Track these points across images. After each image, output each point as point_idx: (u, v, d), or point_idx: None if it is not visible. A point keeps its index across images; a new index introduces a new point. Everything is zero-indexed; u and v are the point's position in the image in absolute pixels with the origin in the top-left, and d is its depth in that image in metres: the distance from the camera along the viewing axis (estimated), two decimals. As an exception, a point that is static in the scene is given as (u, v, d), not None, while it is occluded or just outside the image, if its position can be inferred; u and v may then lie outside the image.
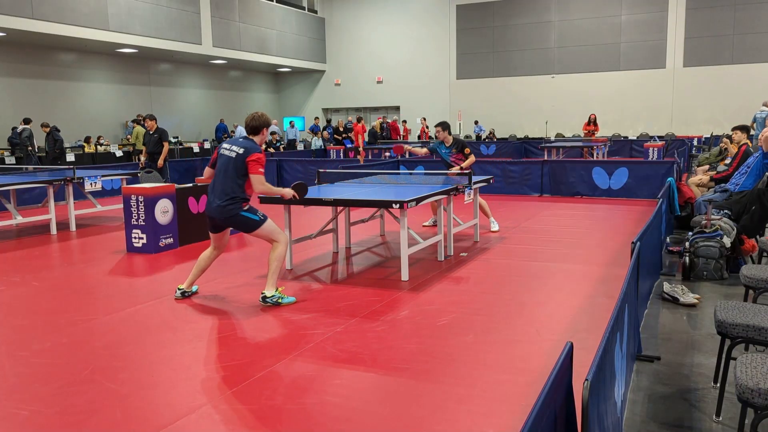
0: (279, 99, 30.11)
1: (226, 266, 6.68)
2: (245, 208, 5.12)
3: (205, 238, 8.31)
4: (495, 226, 8.52)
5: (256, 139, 5.24)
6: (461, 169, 8.17)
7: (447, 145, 8.39)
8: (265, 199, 6.40)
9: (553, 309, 4.98)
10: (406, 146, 9.08)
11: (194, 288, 5.56)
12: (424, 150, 8.73)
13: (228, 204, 5.05)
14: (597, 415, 2.04)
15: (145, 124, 11.51)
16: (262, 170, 5.07)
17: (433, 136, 8.40)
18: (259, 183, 5.05)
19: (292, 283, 5.92)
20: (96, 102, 20.95)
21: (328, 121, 25.33)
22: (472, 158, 8.30)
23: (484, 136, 25.34)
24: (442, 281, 5.89)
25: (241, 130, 23.47)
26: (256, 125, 5.23)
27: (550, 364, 3.85)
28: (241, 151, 5.07)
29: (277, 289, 5.20)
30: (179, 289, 5.47)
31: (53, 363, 4.03)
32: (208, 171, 5.39)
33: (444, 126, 8.32)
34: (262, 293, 5.17)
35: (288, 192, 5.36)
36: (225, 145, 5.22)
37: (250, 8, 23.65)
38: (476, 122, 25.73)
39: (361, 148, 19.67)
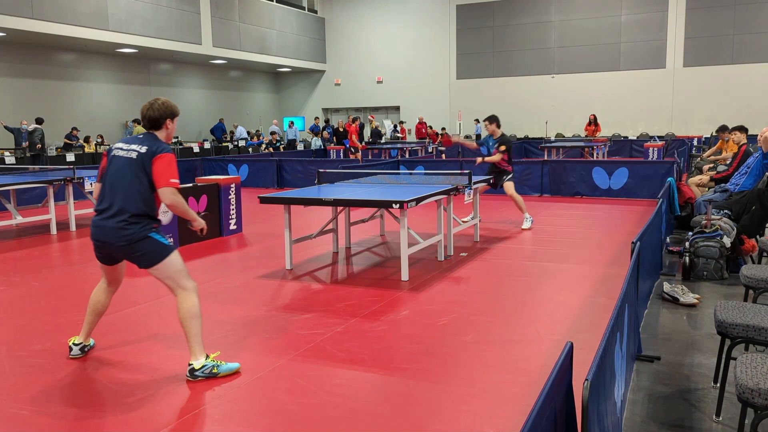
0: (279, 99, 30.11)
1: (226, 266, 6.68)
2: (155, 228, 3.83)
3: (206, 238, 8.30)
4: (527, 224, 8.63)
5: (160, 135, 3.93)
6: (483, 160, 8.57)
7: (495, 137, 8.68)
8: (265, 199, 6.41)
9: (553, 309, 4.98)
10: (454, 137, 9.36)
11: (91, 341, 4.27)
12: (475, 144, 9.09)
13: (132, 224, 3.71)
14: (597, 415, 2.04)
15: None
16: (175, 180, 3.76)
17: (439, 134, 8.93)
18: (170, 194, 3.72)
19: (292, 283, 5.92)
20: (96, 102, 20.95)
21: (327, 122, 25.30)
22: (496, 156, 8.51)
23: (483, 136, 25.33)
24: (442, 281, 5.89)
25: (241, 131, 23.47)
26: (154, 116, 3.90)
27: (550, 364, 3.85)
28: (142, 150, 3.78)
29: (207, 356, 3.82)
30: (75, 344, 4.14)
31: (53, 363, 4.03)
32: (97, 187, 3.95)
33: (491, 119, 8.58)
34: (189, 364, 3.77)
35: (200, 222, 4.03)
36: (119, 145, 3.91)
37: (250, 8, 23.65)
38: (477, 121, 25.69)
39: (352, 148, 19.65)
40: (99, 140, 19.29)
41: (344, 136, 22.09)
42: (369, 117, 24.98)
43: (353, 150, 19.32)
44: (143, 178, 3.75)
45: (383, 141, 23.27)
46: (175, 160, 3.85)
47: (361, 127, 22.64)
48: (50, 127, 18.72)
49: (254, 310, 5.08)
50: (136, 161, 3.76)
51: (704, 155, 12.15)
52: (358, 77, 28.35)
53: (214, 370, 3.77)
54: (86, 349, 4.19)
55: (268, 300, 5.37)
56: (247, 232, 8.79)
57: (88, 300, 4.16)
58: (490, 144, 8.71)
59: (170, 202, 3.73)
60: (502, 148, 8.48)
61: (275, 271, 6.43)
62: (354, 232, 8.37)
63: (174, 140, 20.36)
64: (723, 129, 11.51)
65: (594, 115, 21.55)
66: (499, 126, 8.63)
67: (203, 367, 3.75)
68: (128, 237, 3.69)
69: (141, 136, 3.91)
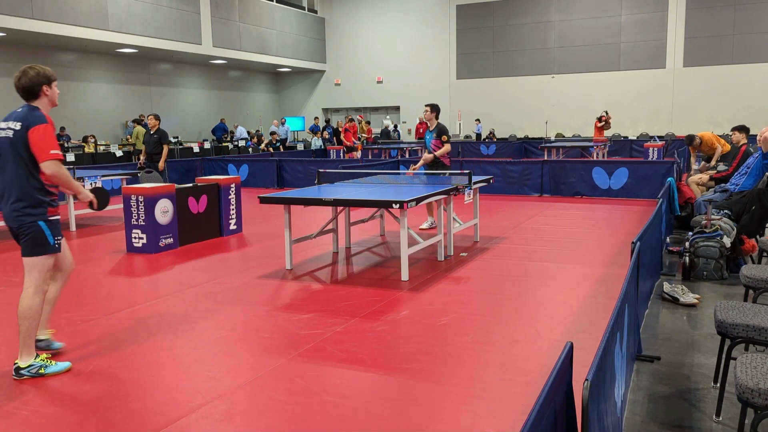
0: (279, 99, 30.11)
1: (226, 266, 6.68)
2: (50, 218, 3.79)
3: (206, 238, 8.30)
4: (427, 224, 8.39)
5: (40, 104, 3.81)
6: (435, 157, 8.04)
7: (430, 129, 8.19)
8: (265, 199, 6.41)
9: (553, 309, 4.98)
10: (412, 168, 8.60)
11: (48, 337, 4.20)
12: (428, 156, 8.35)
13: (24, 208, 3.70)
14: (597, 415, 2.04)
15: (148, 123, 11.15)
16: (55, 152, 3.67)
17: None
18: (52, 166, 3.66)
19: (292, 283, 5.92)
20: (96, 102, 20.94)
21: (327, 122, 25.27)
22: (447, 147, 8.09)
23: (484, 136, 25.29)
24: (442, 281, 5.89)
25: (241, 131, 23.46)
26: (28, 85, 3.78)
27: (550, 364, 3.84)
28: (17, 127, 3.68)
29: (37, 356, 3.83)
30: (41, 339, 4.09)
31: (53, 363, 4.02)
32: None
33: (433, 108, 8.05)
34: (15, 363, 3.80)
35: (86, 195, 4.03)
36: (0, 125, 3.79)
37: (250, 8, 23.65)
38: (477, 120, 25.62)
39: (346, 147, 19.56)
40: (94, 140, 19.25)
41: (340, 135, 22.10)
42: (358, 117, 24.94)
43: (347, 149, 19.20)
44: (25, 156, 3.68)
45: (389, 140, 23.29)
46: (52, 129, 3.74)
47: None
48: (50, 127, 18.73)
49: (254, 310, 5.08)
50: (14, 140, 3.69)
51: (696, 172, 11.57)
52: (358, 77, 28.35)
53: (41, 370, 3.79)
54: (55, 348, 4.20)
55: (268, 300, 5.37)
56: (247, 232, 8.79)
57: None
58: (427, 137, 8.17)
59: (51, 172, 3.67)
60: (444, 137, 8.05)
61: (275, 271, 6.43)
62: (354, 232, 8.37)
63: (174, 140, 20.35)
64: (741, 129, 10.68)
65: (606, 112, 20.52)
66: (438, 117, 8.09)
67: (30, 366, 3.77)
68: (19, 221, 3.72)
69: (19, 109, 3.81)
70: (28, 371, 3.76)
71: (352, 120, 21.04)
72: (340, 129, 21.44)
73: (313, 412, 3.28)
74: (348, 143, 19.43)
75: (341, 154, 19.88)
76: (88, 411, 3.35)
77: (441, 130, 8.13)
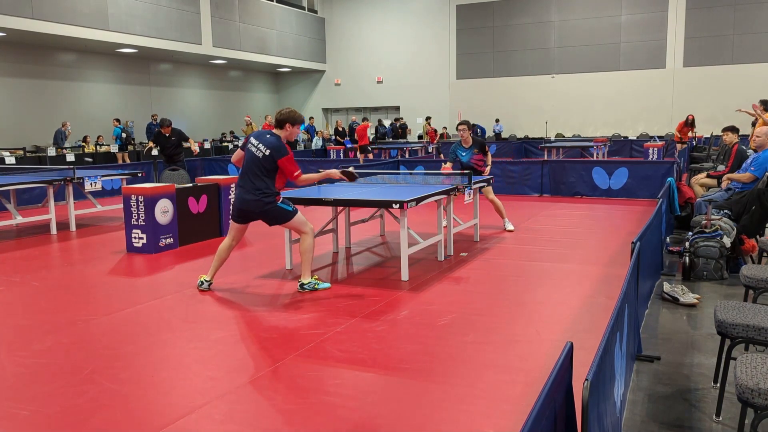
0: (279, 99, 30.10)
1: (226, 266, 6.68)
2: (280, 200, 5.39)
3: (206, 238, 8.32)
4: (509, 226, 8.48)
5: (282, 134, 5.35)
6: (482, 171, 8.16)
7: (465, 146, 8.27)
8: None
9: (553, 309, 4.98)
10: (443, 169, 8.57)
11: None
12: (448, 165, 8.43)
13: (263, 197, 5.29)
14: (597, 415, 2.04)
15: (161, 130, 11.20)
16: (298, 172, 5.33)
17: (457, 134, 8.05)
18: (300, 181, 5.41)
19: (292, 283, 5.92)
20: (96, 102, 20.95)
21: (337, 130, 24.41)
22: (488, 158, 8.27)
23: (490, 135, 25.17)
24: (442, 281, 5.89)
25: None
26: (279, 119, 5.36)
27: (550, 364, 3.85)
28: (267, 152, 5.23)
29: (312, 276, 5.58)
30: (206, 280, 5.67)
31: (53, 363, 4.03)
32: (238, 153, 5.50)
33: (469, 125, 8.19)
34: (299, 281, 5.54)
35: (335, 172, 5.69)
36: (253, 139, 5.38)
37: (250, 8, 23.64)
38: (497, 120, 25.45)
39: (361, 147, 19.29)
40: (99, 143, 19.28)
41: (344, 135, 22.02)
42: (351, 119, 24.86)
43: (362, 149, 18.60)
44: (268, 170, 5.30)
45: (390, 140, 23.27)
46: (292, 155, 5.22)
47: (351, 128, 22.48)
48: (50, 127, 18.74)
49: (254, 310, 5.08)
50: (262, 160, 5.25)
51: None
52: (358, 77, 28.35)
53: (316, 286, 5.54)
54: (210, 284, 5.70)
55: (268, 300, 5.38)
56: (247, 232, 8.79)
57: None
58: (462, 153, 8.25)
59: (301, 182, 5.42)
60: (486, 148, 8.24)
61: (275, 271, 6.43)
62: (354, 232, 8.37)
63: (187, 138, 20.32)
64: (732, 129, 10.62)
65: (692, 116, 18.90)
66: (470, 129, 8.22)
67: (309, 282, 5.53)
68: (263, 206, 5.33)
69: (268, 135, 5.31)
70: (309, 285, 5.49)
71: (365, 119, 20.97)
72: (355, 128, 21.23)
73: (313, 412, 3.28)
74: (363, 143, 19.14)
75: (341, 154, 19.82)
76: (88, 411, 3.35)
77: (482, 145, 8.24)
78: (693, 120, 19.02)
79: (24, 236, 8.90)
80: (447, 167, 8.42)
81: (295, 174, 5.32)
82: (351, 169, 5.81)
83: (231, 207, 5.53)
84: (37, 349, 4.30)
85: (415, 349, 4.13)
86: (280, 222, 5.43)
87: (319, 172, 5.74)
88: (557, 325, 4.60)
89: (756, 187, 6.52)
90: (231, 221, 5.57)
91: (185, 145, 11.45)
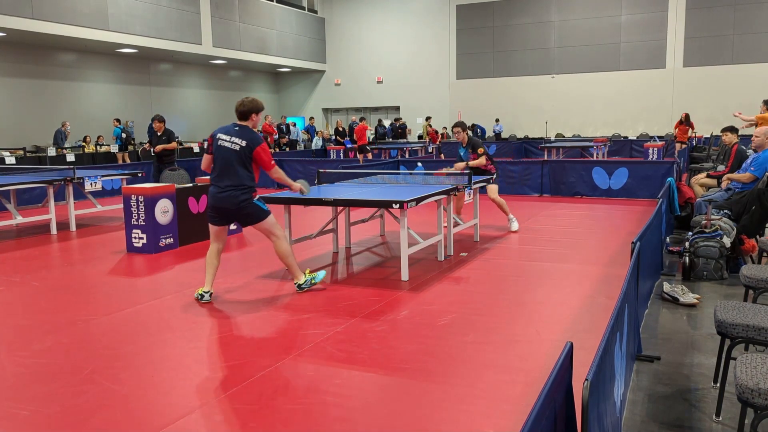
0: (279, 99, 30.11)
1: (226, 266, 6.68)
2: (256, 197, 5.24)
3: (206, 238, 8.30)
4: (515, 226, 8.48)
5: (249, 125, 5.22)
6: (467, 166, 8.13)
7: (463, 145, 8.40)
8: (265, 199, 6.40)
9: (553, 309, 4.98)
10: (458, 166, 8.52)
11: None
12: (462, 164, 8.43)
13: (241, 193, 5.11)
14: (597, 415, 2.04)
15: (153, 126, 11.20)
16: (273, 162, 5.23)
17: (451, 136, 8.17)
18: (274, 172, 5.27)
19: (292, 283, 5.92)
20: (96, 102, 20.95)
21: (337, 130, 24.37)
22: (481, 159, 8.23)
23: (489, 135, 25.16)
24: (442, 281, 5.89)
25: None
26: (244, 110, 5.19)
27: (550, 364, 3.84)
28: (243, 143, 5.08)
29: (305, 272, 5.56)
30: (205, 292, 5.33)
31: (53, 363, 4.03)
32: (207, 158, 5.27)
33: (463, 127, 8.25)
34: (295, 283, 5.51)
35: (296, 186, 5.64)
36: (221, 135, 5.16)
37: (250, 8, 23.65)
38: (497, 120, 25.46)
39: (360, 147, 19.27)
40: (100, 143, 19.28)
41: (344, 135, 22.01)
42: (351, 119, 24.84)
43: (360, 149, 18.60)
44: (246, 162, 5.14)
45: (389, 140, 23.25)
46: (267, 146, 5.26)
47: (351, 128, 22.41)
48: (50, 127, 18.74)
49: (254, 310, 5.08)
50: (239, 152, 5.11)
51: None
52: (358, 77, 28.35)
53: (313, 281, 5.61)
54: (210, 295, 5.36)
55: (268, 300, 5.38)
56: (247, 232, 8.79)
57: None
58: (461, 153, 8.38)
59: (275, 173, 5.27)
60: (480, 150, 8.21)
61: (275, 271, 6.43)
62: (354, 232, 8.37)
63: (174, 140, 20.32)
64: (731, 130, 10.61)
65: (686, 113, 19.12)
66: (466, 132, 8.30)
67: (305, 281, 5.54)
68: (238, 202, 5.15)
69: (237, 128, 5.16)
70: (306, 284, 5.48)
71: (363, 119, 20.97)
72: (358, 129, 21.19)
73: (313, 412, 3.28)
74: (361, 143, 19.12)
75: (341, 154, 19.83)
76: (88, 411, 3.35)
77: (475, 145, 8.30)
78: (687, 117, 18.98)
79: (24, 236, 8.90)
80: (460, 166, 8.44)
81: (272, 163, 5.21)
82: (305, 190, 5.80)
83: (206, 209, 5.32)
84: (37, 349, 4.30)
85: (415, 349, 4.13)
86: (254, 221, 5.23)
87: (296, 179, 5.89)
88: (557, 325, 4.60)
89: (756, 187, 6.52)
90: (209, 225, 5.31)
91: (168, 147, 11.07)
